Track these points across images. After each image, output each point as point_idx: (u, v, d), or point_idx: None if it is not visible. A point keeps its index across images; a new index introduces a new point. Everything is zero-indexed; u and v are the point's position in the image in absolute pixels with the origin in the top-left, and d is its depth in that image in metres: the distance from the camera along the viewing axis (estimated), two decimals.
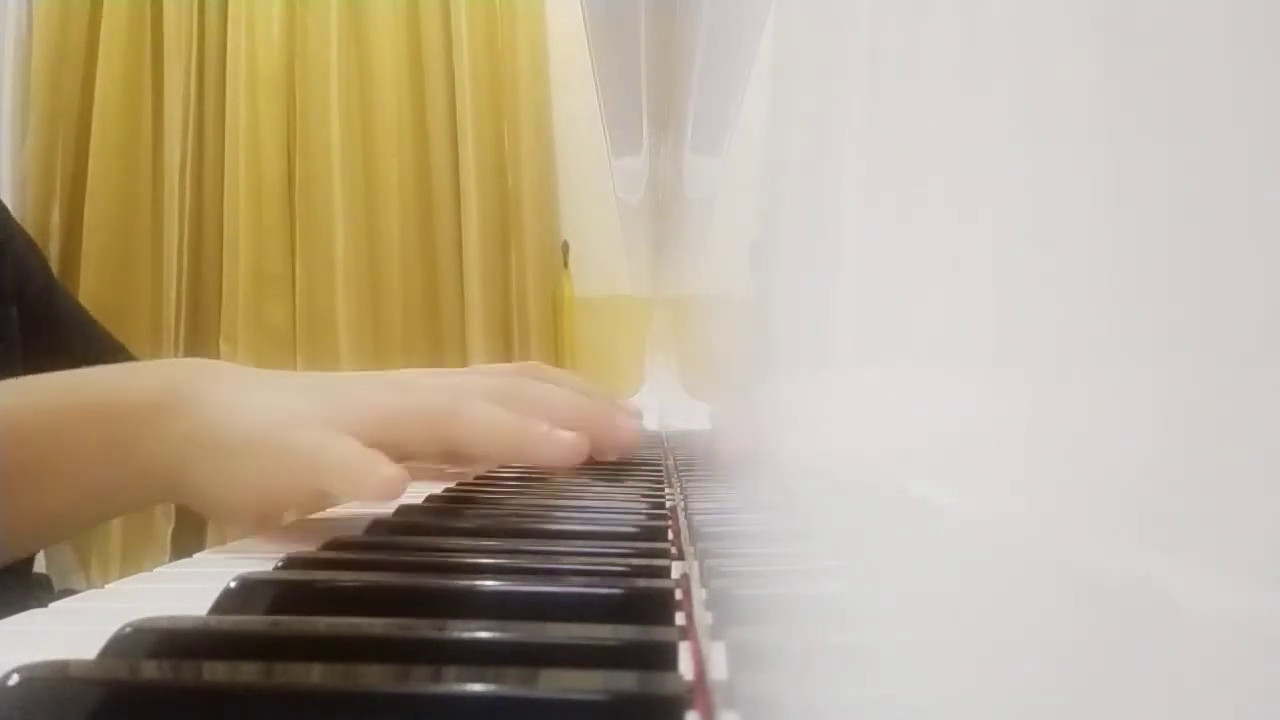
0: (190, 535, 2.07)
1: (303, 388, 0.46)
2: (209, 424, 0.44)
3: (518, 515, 0.47)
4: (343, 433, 0.43)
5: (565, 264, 2.29)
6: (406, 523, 0.44)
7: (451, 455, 0.50)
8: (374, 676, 0.22)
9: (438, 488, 0.55)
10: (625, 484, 0.56)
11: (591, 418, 0.50)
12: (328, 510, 0.54)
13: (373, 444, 0.43)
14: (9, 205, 0.83)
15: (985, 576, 0.11)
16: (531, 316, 2.24)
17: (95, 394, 0.45)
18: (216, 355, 2.13)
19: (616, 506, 0.50)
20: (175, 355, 2.19)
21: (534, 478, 0.61)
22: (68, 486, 0.45)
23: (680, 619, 0.28)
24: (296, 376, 0.49)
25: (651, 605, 0.29)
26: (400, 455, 0.45)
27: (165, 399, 0.44)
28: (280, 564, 0.34)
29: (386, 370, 0.55)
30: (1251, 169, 0.07)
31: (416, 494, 0.53)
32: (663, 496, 0.53)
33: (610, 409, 0.51)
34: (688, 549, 0.38)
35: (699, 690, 0.22)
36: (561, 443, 0.46)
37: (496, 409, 0.47)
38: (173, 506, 1.94)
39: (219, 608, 0.29)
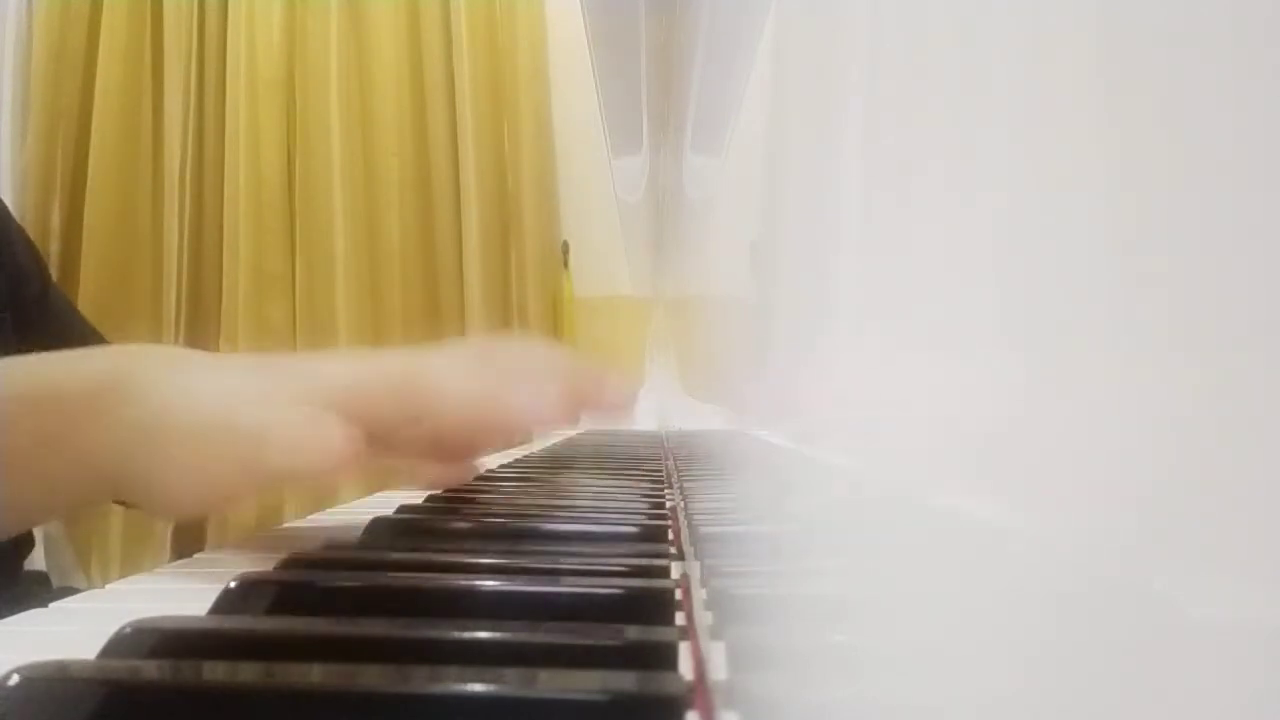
0: (190, 535, 2.07)
1: (251, 366, 0.43)
2: (153, 412, 0.40)
3: (518, 515, 0.47)
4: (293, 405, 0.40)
5: (565, 264, 2.29)
6: (406, 522, 0.44)
7: (432, 444, 0.45)
8: (374, 676, 0.22)
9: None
10: (625, 484, 0.56)
11: (574, 373, 0.45)
12: (327, 511, 0.54)
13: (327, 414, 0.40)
14: (9, 205, 0.82)
15: (985, 577, 0.11)
16: (531, 316, 2.24)
17: (34, 382, 0.42)
18: None
19: (616, 506, 0.50)
20: None
21: (534, 478, 0.61)
22: (10, 479, 0.42)
23: (680, 619, 0.28)
24: (249, 357, 0.45)
25: (651, 605, 0.29)
26: (362, 428, 0.40)
27: (107, 387, 0.41)
28: (280, 564, 0.34)
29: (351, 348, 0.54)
30: (1251, 165, 0.07)
31: (417, 494, 0.53)
32: (663, 497, 0.53)
33: (595, 369, 0.45)
34: (688, 549, 0.38)
35: (699, 690, 0.22)
36: (544, 396, 0.41)
37: (466, 368, 0.42)
38: None
39: (219, 608, 0.29)
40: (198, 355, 0.45)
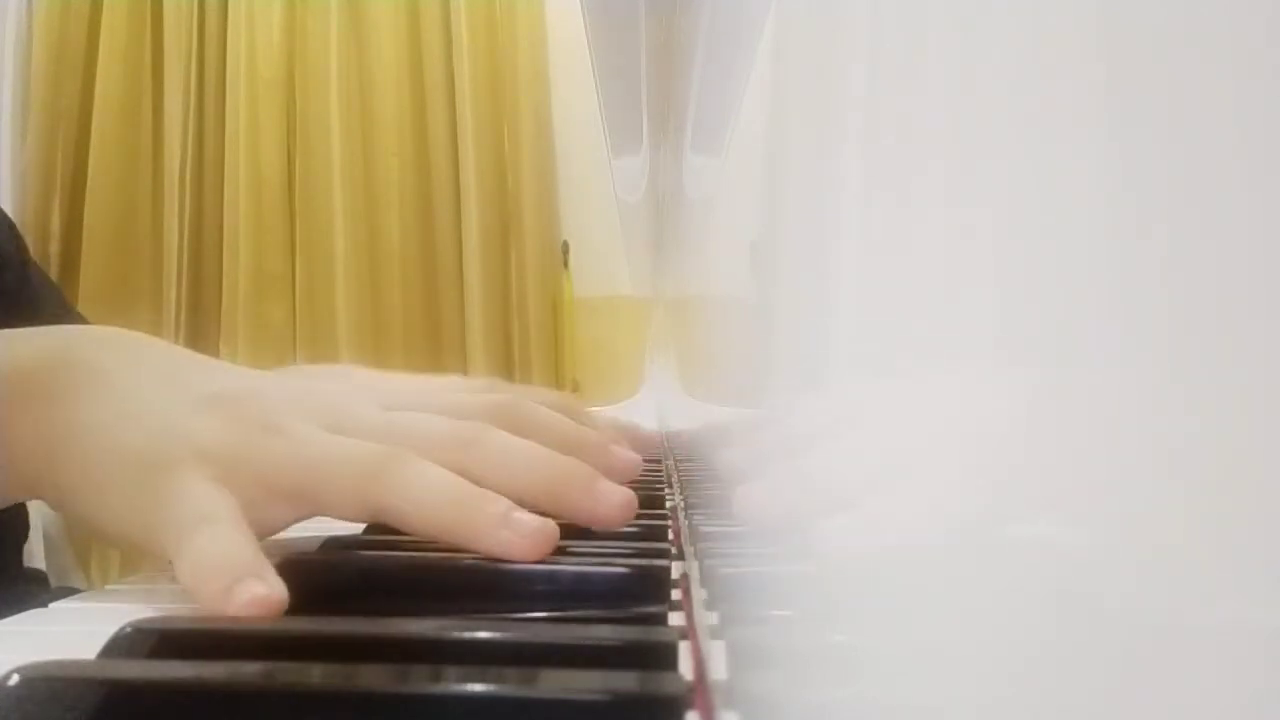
0: None
1: (206, 399, 0.36)
2: (89, 416, 0.35)
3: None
4: (237, 486, 0.34)
5: (565, 264, 2.29)
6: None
7: (374, 516, 0.37)
8: (374, 676, 0.22)
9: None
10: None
11: (568, 480, 0.37)
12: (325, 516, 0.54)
13: (273, 493, 0.35)
14: (9, 205, 0.82)
15: (985, 576, 0.11)
16: (531, 316, 2.24)
17: None
18: (216, 355, 2.13)
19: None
20: None
21: None
22: None
23: (680, 619, 0.28)
24: (208, 375, 0.39)
25: (650, 589, 0.29)
26: (309, 509, 0.37)
27: (45, 374, 0.36)
28: (280, 564, 0.34)
29: (359, 375, 0.46)
30: (1252, 165, 0.07)
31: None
32: (663, 496, 0.53)
33: (589, 477, 0.37)
34: (688, 549, 0.38)
35: (699, 690, 0.22)
36: (520, 528, 0.33)
37: (441, 473, 0.35)
38: None
39: None
40: (157, 356, 0.39)
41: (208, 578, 0.30)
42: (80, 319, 0.85)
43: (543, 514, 0.34)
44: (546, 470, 0.37)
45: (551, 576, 0.32)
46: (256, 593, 0.29)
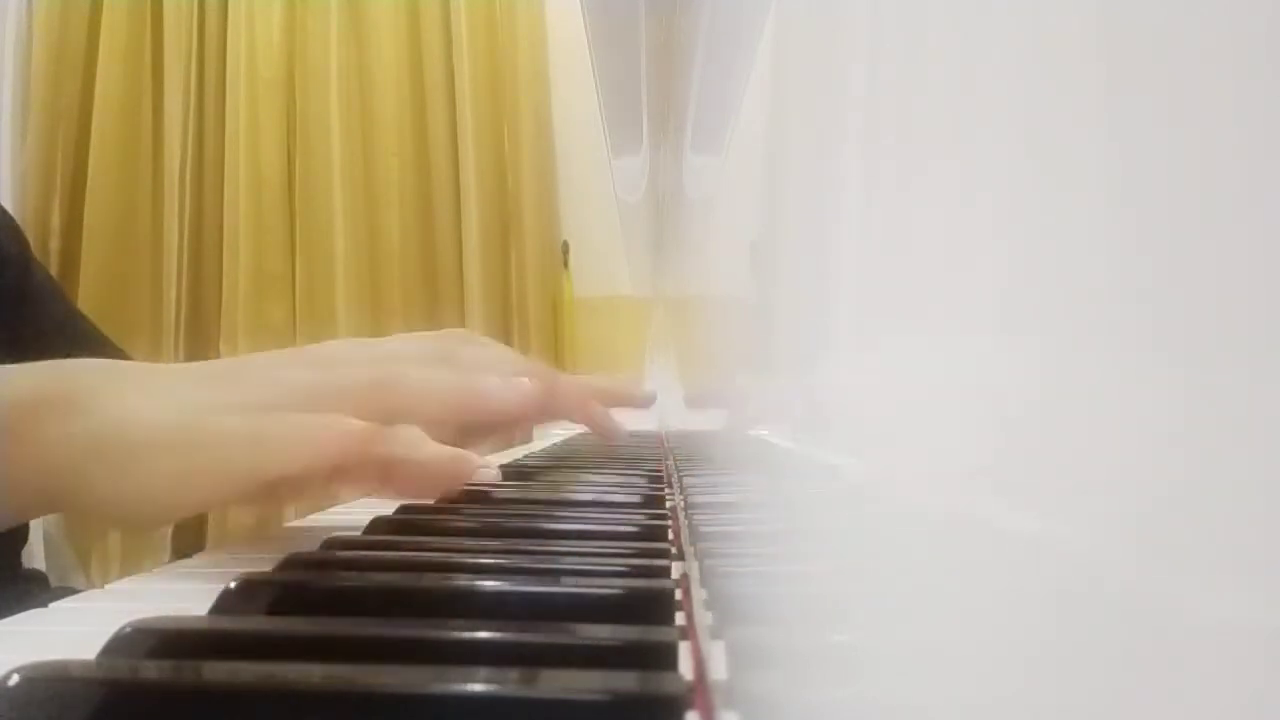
0: (190, 535, 2.07)
1: (206, 375, 0.41)
2: (108, 424, 0.39)
3: (517, 514, 0.47)
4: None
5: (565, 264, 2.29)
6: (406, 521, 0.44)
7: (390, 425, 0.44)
8: (374, 676, 0.22)
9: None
10: (625, 483, 0.56)
11: (536, 373, 0.46)
12: (326, 510, 0.54)
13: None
14: (9, 205, 0.81)
15: (985, 577, 0.11)
16: (531, 316, 2.24)
17: None
18: (216, 355, 2.13)
19: (617, 506, 0.50)
20: (175, 356, 2.19)
21: (534, 476, 0.61)
22: None
23: (680, 619, 0.28)
24: (198, 366, 0.44)
25: (651, 605, 0.29)
26: None
27: (50, 400, 0.39)
28: (280, 564, 0.34)
29: (304, 347, 0.50)
30: (1254, 163, 0.07)
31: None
32: (663, 496, 0.53)
33: (551, 371, 0.46)
34: (688, 549, 0.38)
35: (699, 690, 0.22)
36: (516, 387, 0.41)
37: (435, 369, 0.43)
38: None
39: (219, 608, 0.29)
40: (143, 367, 0.43)
41: (307, 435, 0.36)
42: (84, 319, 0.85)
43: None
44: (516, 365, 0.46)
45: (553, 599, 0.31)
46: (356, 426, 0.35)
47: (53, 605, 0.32)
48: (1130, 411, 0.08)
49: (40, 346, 0.55)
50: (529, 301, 2.24)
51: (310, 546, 0.38)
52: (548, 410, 0.45)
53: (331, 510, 0.54)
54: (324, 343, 0.50)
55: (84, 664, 0.23)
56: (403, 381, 0.42)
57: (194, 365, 0.44)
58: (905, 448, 0.15)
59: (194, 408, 0.39)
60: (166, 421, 0.38)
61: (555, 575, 0.32)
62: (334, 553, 0.38)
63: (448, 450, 0.44)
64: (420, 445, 0.42)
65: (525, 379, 0.42)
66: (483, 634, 0.25)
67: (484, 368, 0.45)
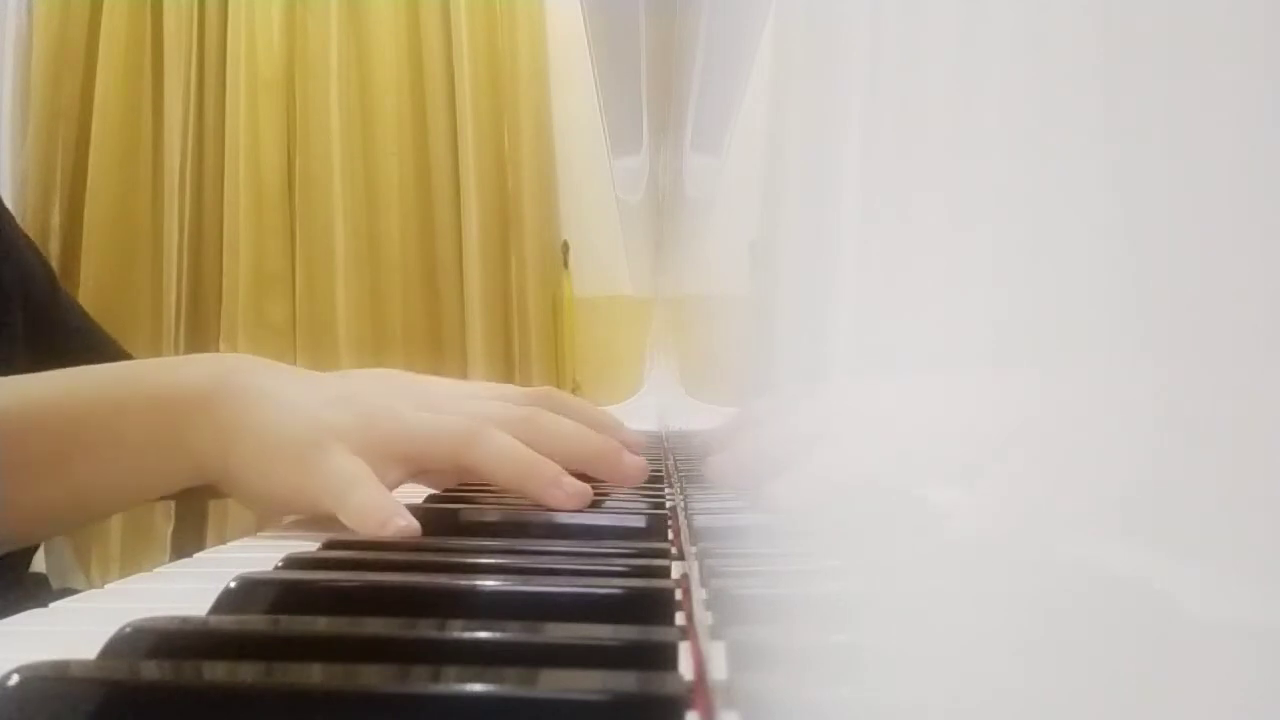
0: (190, 535, 2.07)
1: (333, 399, 0.49)
2: (254, 418, 0.47)
3: (518, 515, 0.47)
4: (368, 456, 0.46)
5: (565, 264, 2.29)
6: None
7: (462, 473, 0.53)
8: (374, 676, 0.22)
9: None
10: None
11: (601, 455, 0.53)
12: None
13: (392, 459, 0.48)
14: (10, 205, 0.82)
15: (984, 577, 0.11)
16: (531, 316, 2.24)
17: (150, 383, 0.49)
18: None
19: (617, 506, 0.50)
20: (175, 355, 2.19)
21: None
22: (115, 469, 0.48)
23: (680, 619, 0.28)
24: (328, 383, 0.51)
25: (651, 605, 0.29)
26: (417, 469, 0.50)
27: (215, 389, 0.48)
28: (280, 564, 0.34)
29: (410, 376, 0.58)
30: (1251, 167, 0.07)
31: (417, 494, 0.53)
32: (663, 496, 0.53)
33: (617, 449, 0.53)
34: (688, 549, 0.38)
35: (699, 690, 0.22)
36: (566, 489, 0.48)
37: (513, 443, 0.49)
38: (172, 506, 1.94)
39: (219, 608, 0.29)
40: (282, 369, 0.51)
41: (368, 519, 0.43)
42: (109, 339, 0.86)
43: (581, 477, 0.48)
44: (586, 445, 0.52)
45: (554, 599, 0.31)
46: (402, 525, 0.42)
47: (53, 605, 0.32)
48: (1129, 407, 0.08)
49: (62, 352, 0.58)
50: (529, 301, 2.24)
51: (310, 546, 0.38)
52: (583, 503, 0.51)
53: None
54: (430, 379, 0.58)
55: (84, 664, 0.23)
56: (485, 447, 0.49)
57: (322, 380, 0.52)
58: (905, 448, 0.15)
59: (315, 431, 0.47)
60: (292, 436, 0.47)
61: (556, 575, 0.33)
62: (334, 553, 0.38)
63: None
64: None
65: (576, 484, 0.48)
66: (483, 634, 0.25)
67: (557, 446, 0.50)
